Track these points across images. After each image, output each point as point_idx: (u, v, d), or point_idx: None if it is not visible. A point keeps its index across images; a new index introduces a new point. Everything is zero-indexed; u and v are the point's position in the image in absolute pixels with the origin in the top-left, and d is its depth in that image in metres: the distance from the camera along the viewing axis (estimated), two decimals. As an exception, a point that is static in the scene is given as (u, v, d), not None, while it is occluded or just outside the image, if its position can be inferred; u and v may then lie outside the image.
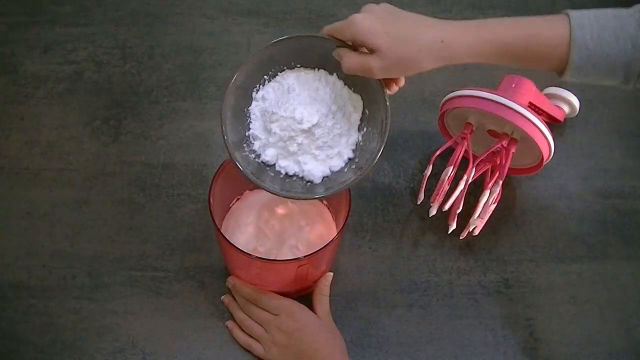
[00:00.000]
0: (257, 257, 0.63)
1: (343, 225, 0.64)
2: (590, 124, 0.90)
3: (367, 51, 0.58)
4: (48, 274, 0.73)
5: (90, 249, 0.75)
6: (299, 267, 0.64)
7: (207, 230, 0.77)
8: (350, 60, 0.58)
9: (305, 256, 0.62)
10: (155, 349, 0.69)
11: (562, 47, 0.56)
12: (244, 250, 0.62)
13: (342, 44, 0.60)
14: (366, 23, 0.56)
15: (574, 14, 0.57)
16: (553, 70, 0.59)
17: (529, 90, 0.75)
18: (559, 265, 0.78)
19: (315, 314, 0.67)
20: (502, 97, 0.70)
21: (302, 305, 0.67)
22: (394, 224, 0.79)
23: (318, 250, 0.62)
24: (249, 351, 0.68)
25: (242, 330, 0.69)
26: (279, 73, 0.62)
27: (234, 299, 0.71)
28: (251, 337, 0.68)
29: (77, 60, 0.92)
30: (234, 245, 0.62)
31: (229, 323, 0.70)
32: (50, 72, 0.90)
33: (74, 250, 0.75)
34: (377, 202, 0.81)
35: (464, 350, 0.71)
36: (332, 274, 0.70)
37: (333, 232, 0.72)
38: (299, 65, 0.63)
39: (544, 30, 0.57)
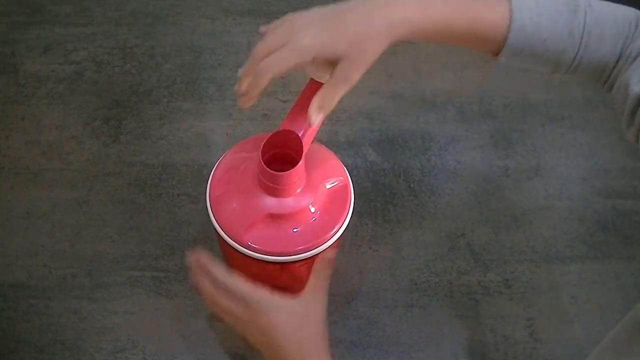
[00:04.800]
0: (256, 257, 0.63)
1: (342, 225, 0.64)
2: (590, 124, 0.90)
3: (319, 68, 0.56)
4: (48, 274, 0.73)
5: (90, 249, 0.75)
6: (299, 267, 0.64)
7: (207, 230, 0.77)
8: (325, 94, 0.55)
9: (304, 256, 0.62)
10: (155, 349, 0.69)
11: (501, 29, 0.57)
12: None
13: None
14: (316, 40, 0.55)
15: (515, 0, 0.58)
16: (488, 51, 0.60)
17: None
18: (559, 265, 0.78)
19: (306, 289, 0.61)
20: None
21: (278, 299, 0.60)
22: (394, 224, 0.79)
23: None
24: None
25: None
26: None
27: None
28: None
29: (77, 60, 0.92)
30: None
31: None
32: (50, 72, 0.90)
33: (74, 250, 0.75)
34: (377, 202, 0.81)
35: (464, 350, 0.71)
36: (332, 253, 0.64)
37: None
38: None
39: (486, 12, 0.58)
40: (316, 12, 0.57)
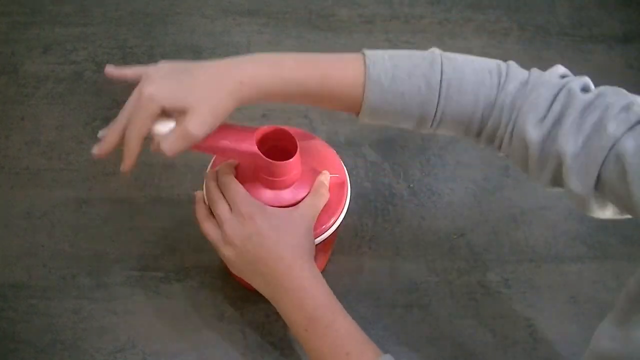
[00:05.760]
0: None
1: (337, 218, 0.63)
2: (590, 124, 0.90)
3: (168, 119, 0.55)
4: (48, 274, 0.73)
5: (90, 249, 0.75)
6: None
7: (207, 230, 0.77)
8: (168, 143, 0.54)
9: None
10: (155, 349, 0.68)
11: (356, 86, 0.56)
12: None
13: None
14: (163, 88, 0.54)
15: (369, 52, 0.57)
16: (350, 110, 0.59)
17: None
18: (559, 265, 0.78)
19: (299, 204, 0.60)
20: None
21: (268, 207, 0.59)
22: (394, 224, 0.79)
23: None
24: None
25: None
26: None
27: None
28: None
29: (77, 60, 0.92)
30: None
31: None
32: (50, 72, 0.90)
33: (74, 250, 0.75)
34: (377, 202, 0.81)
35: (464, 350, 0.71)
36: (327, 173, 0.63)
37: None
38: None
39: (338, 69, 0.56)
40: (165, 66, 0.57)
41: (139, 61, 0.92)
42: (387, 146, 0.86)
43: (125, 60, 0.92)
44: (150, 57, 0.93)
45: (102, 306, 0.71)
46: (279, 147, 0.62)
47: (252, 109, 0.88)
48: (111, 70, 0.59)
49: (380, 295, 0.74)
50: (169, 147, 0.55)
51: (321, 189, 0.61)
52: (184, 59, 0.92)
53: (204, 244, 0.75)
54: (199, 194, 0.62)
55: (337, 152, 0.68)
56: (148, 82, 0.55)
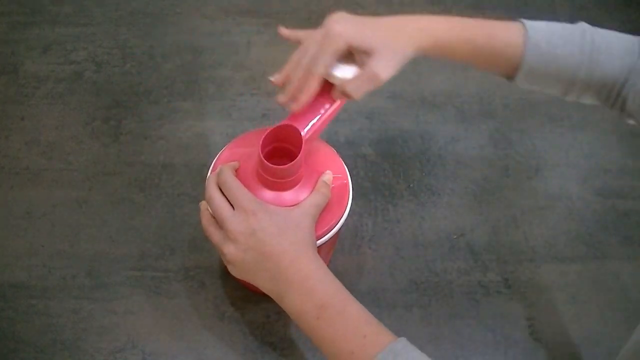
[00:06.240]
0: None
1: (339, 220, 0.63)
2: (590, 124, 0.90)
3: (349, 66, 0.59)
4: (48, 274, 0.73)
5: (90, 249, 0.75)
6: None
7: (207, 230, 0.77)
8: (355, 85, 0.59)
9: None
10: (155, 349, 0.68)
11: (517, 47, 0.61)
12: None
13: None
14: (351, 28, 0.58)
15: (527, 21, 0.63)
16: (505, 72, 0.64)
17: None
18: (559, 265, 0.78)
19: (301, 203, 0.60)
20: None
21: (270, 205, 0.58)
22: (394, 224, 0.79)
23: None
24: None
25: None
26: None
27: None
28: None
29: (77, 60, 0.92)
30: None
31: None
32: (50, 72, 0.90)
33: (74, 250, 0.75)
34: (377, 202, 0.81)
35: (464, 350, 0.71)
36: (330, 173, 0.64)
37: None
38: None
39: (502, 31, 0.62)
40: (345, 14, 0.61)
41: (139, 61, 0.92)
42: (387, 146, 0.86)
43: (125, 60, 0.92)
44: (150, 57, 0.93)
45: (102, 306, 0.71)
46: (281, 147, 0.62)
47: (252, 109, 0.88)
48: (285, 31, 0.64)
49: (380, 295, 0.74)
50: (355, 90, 0.58)
51: (323, 189, 0.61)
52: (184, 59, 0.93)
53: (204, 244, 0.76)
54: (203, 204, 0.62)
55: (337, 152, 0.67)
56: (335, 22, 0.59)
